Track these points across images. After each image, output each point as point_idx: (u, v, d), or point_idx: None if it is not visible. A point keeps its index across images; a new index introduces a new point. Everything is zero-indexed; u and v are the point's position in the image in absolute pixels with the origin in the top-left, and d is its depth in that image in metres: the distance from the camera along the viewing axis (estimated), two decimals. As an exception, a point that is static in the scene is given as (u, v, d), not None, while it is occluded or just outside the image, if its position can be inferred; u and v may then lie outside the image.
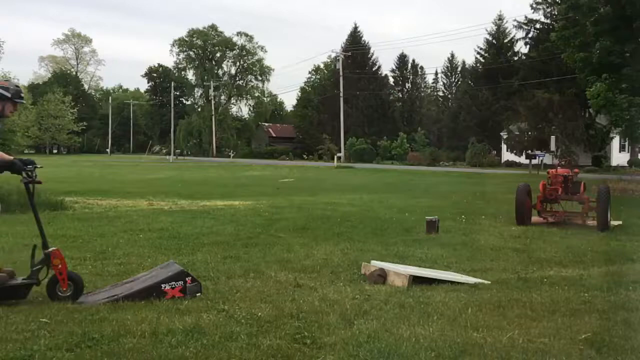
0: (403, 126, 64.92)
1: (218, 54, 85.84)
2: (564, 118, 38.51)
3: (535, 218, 10.66)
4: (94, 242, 8.11)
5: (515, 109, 41.75)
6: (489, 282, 5.71)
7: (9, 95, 4.83)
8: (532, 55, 44.72)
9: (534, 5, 42.44)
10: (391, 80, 71.68)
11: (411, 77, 73.31)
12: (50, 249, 4.85)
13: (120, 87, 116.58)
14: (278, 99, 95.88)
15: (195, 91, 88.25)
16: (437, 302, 4.88)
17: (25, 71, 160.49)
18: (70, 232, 8.98)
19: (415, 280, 5.61)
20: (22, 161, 4.89)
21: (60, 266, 4.81)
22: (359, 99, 62.45)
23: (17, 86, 5.03)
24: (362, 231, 9.32)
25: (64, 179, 23.81)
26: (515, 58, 51.41)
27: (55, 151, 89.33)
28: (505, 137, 45.61)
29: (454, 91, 73.61)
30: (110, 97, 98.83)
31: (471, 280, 5.72)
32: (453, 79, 75.65)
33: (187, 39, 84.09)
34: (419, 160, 48.07)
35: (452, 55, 75.87)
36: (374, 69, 66.78)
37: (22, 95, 5.03)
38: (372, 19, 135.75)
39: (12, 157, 4.87)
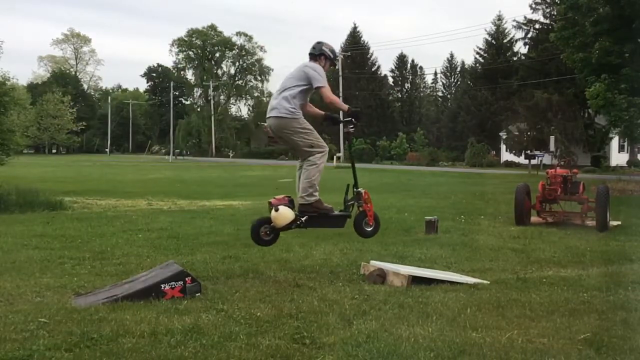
0: (402, 126, 65.01)
1: (217, 54, 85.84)
2: (563, 118, 38.56)
3: (534, 218, 10.66)
4: (93, 242, 8.10)
5: (514, 109, 41.82)
6: (488, 282, 5.71)
7: (332, 56, 5.81)
8: (531, 56, 44.75)
9: (533, 6, 42.60)
10: (390, 80, 71.84)
11: (410, 77, 73.43)
12: (361, 190, 5.68)
13: (120, 86, 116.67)
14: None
15: (195, 91, 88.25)
16: (436, 302, 4.88)
17: (25, 71, 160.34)
18: (69, 232, 8.97)
19: (415, 280, 5.60)
20: None
21: (368, 204, 5.67)
22: (358, 99, 62.45)
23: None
24: (362, 231, 9.30)
25: (63, 179, 23.82)
26: (515, 58, 51.48)
27: (54, 151, 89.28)
28: (504, 137, 45.65)
29: (453, 91, 73.69)
30: (109, 97, 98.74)
31: (470, 280, 5.72)
32: (452, 79, 75.78)
33: (186, 38, 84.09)
34: (418, 161, 48.09)
35: (452, 56, 76.10)
36: (373, 69, 66.83)
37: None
38: (371, 19, 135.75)
39: None
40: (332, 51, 5.86)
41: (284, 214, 5.40)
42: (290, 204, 5.54)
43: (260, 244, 5.65)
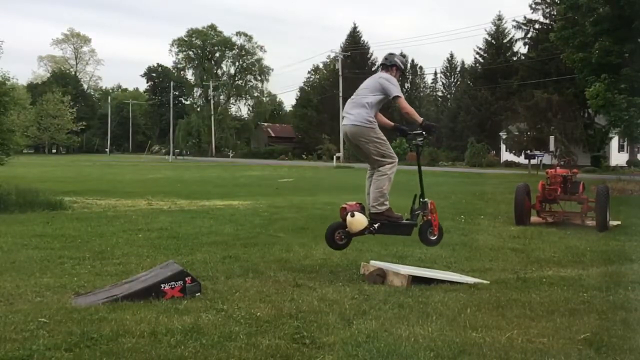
0: (402, 126, 64.88)
1: (217, 54, 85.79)
2: (563, 118, 38.55)
3: (534, 218, 10.66)
4: (93, 241, 8.10)
5: (514, 109, 41.81)
6: (488, 282, 5.71)
7: (403, 67, 6.10)
8: (531, 56, 44.74)
9: (533, 6, 42.59)
10: (390, 80, 71.64)
11: (410, 77, 73.34)
12: (427, 200, 5.91)
13: (120, 86, 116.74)
14: (277, 99, 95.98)
15: (195, 91, 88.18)
16: (436, 302, 4.88)
17: (24, 71, 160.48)
18: (69, 231, 8.97)
19: (414, 280, 5.60)
20: None
21: (434, 215, 5.87)
22: (358, 99, 62.41)
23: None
24: (361, 231, 9.30)
25: (63, 179, 23.81)
26: (515, 58, 51.43)
27: (54, 151, 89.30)
28: (504, 137, 45.65)
29: (453, 91, 73.64)
30: (109, 97, 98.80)
31: (470, 280, 5.72)
32: (452, 79, 75.72)
33: (186, 38, 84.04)
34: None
35: (452, 55, 76.00)
36: (373, 69, 66.61)
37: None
38: (371, 19, 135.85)
39: None
40: (404, 62, 6.16)
41: (359, 220, 5.59)
42: (362, 210, 5.71)
43: (333, 247, 5.80)
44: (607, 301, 5.05)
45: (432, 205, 5.94)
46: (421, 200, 5.94)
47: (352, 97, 6.01)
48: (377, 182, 5.76)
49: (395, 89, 5.74)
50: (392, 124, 6.19)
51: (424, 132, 5.93)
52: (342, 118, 5.99)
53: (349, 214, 5.57)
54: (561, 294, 5.27)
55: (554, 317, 4.53)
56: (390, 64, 6.03)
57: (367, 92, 5.83)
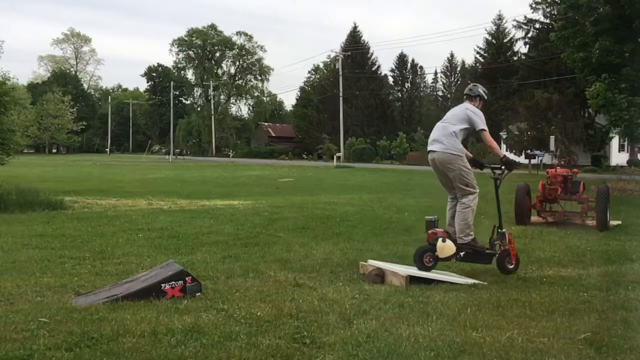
0: (402, 126, 64.95)
1: (217, 54, 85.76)
2: (563, 118, 38.53)
3: (534, 218, 10.65)
4: (93, 241, 8.10)
5: (514, 108, 41.77)
6: (486, 283, 5.70)
7: (485, 97, 6.45)
8: (531, 55, 44.70)
9: (534, 5, 42.49)
10: (390, 80, 71.80)
11: (410, 76, 73.39)
12: (505, 231, 6.18)
13: (120, 86, 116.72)
14: (277, 99, 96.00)
15: (195, 91, 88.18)
16: (437, 302, 4.88)
17: (25, 70, 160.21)
18: (69, 231, 8.97)
19: (414, 279, 5.61)
20: None
21: (512, 244, 6.14)
22: (358, 98, 62.45)
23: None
24: (362, 231, 9.32)
25: (63, 179, 23.82)
26: (515, 58, 51.39)
27: (54, 151, 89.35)
28: (504, 136, 45.60)
29: (453, 91, 73.63)
30: (109, 97, 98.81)
31: (469, 281, 5.71)
32: (452, 79, 75.74)
33: (186, 38, 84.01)
34: (418, 160, 48.03)
35: (452, 55, 76.15)
36: (373, 69, 66.80)
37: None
38: (371, 19, 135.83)
39: None
40: (486, 92, 6.52)
41: (449, 247, 5.91)
42: (449, 237, 6.05)
43: (422, 269, 5.94)
44: (608, 301, 5.06)
45: (509, 235, 6.22)
46: (499, 230, 6.21)
47: (438, 124, 6.31)
48: (462, 214, 6.05)
49: (481, 123, 6.07)
50: (471, 155, 6.42)
51: (503, 167, 6.23)
52: (429, 144, 6.26)
53: (440, 239, 5.88)
54: (561, 294, 5.27)
55: (554, 316, 4.53)
56: (474, 95, 6.39)
57: (454, 121, 6.14)
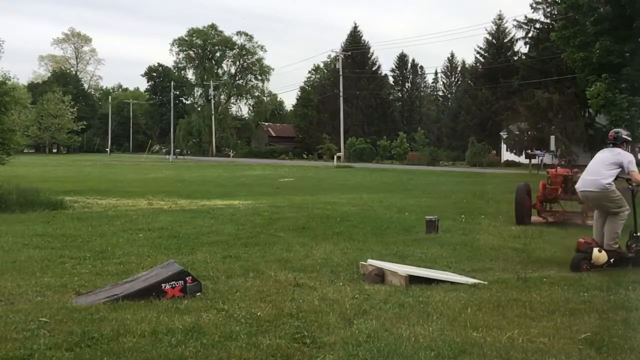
0: (403, 126, 64.93)
1: (218, 54, 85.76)
2: (563, 118, 38.50)
3: (534, 218, 10.65)
4: (94, 241, 8.10)
5: (515, 108, 41.74)
6: (486, 283, 5.70)
7: (629, 139, 7.38)
8: (532, 55, 44.66)
9: (534, 5, 42.48)
10: (391, 80, 71.73)
11: (411, 76, 73.34)
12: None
13: (120, 86, 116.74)
14: (278, 99, 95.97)
15: (195, 90, 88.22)
16: (437, 302, 4.88)
17: (25, 70, 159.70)
18: (69, 231, 8.97)
19: (414, 279, 5.60)
20: None
21: None
22: (358, 98, 62.42)
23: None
24: (362, 231, 9.32)
25: (63, 179, 23.83)
26: (515, 58, 51.35)
27: (55, 150, 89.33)
28: (505, 136, 45.60)
29: (453, 91, 73.55)
30: (110, 97, 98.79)
31: (469, 280, 5.71)
32: (453, 79, 75.67)
33: (187, 38, 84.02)
34: (418, 160, 48.06)
35: (452, 55, 75.90)
36: (373, 69, 66.76)
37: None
38: (372, 19, 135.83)
39: None
40: (630, 135, 7.47)
41: (604, 256, 6.65)
42: (598, 246, 6.75)
43: (575, 271, 6.46)
44: (608, 301, 5.06)
45: None
46: (635, 234, 6.98)
47: (590, 163, 7.18)
48: (614, 225, 6.94)
49: (632, 167, 6.95)
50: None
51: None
52: (582, 180, 7.19)
53: (597, 249, 6.64)
54: (562, 294, 5.27)
55: (554, 316, 4.53)
56: (621, 142, 7.17)
57: (608, 163, 6.99)
